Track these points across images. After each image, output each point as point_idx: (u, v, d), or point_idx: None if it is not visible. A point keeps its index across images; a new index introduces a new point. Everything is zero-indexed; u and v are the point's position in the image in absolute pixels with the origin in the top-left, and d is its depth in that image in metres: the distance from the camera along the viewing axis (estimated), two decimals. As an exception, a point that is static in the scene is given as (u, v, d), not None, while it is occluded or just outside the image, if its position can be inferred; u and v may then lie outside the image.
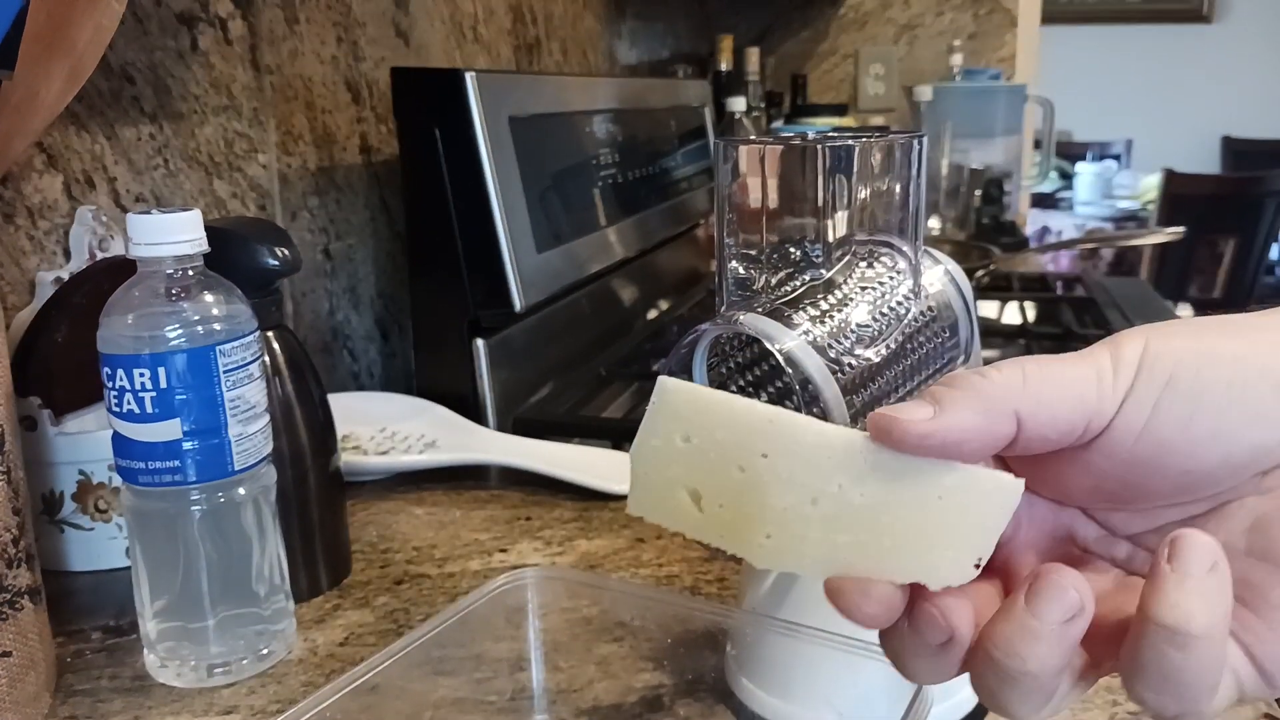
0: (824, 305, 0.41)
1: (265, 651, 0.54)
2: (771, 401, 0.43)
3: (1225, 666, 0.27)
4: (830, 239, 0.43)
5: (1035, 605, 0.27)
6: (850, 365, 0.40)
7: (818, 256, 0.43)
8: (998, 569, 0.30)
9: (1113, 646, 0.28)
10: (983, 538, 0.28)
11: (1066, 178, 3.80)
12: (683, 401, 0.30)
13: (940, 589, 0.28)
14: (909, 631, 0.29)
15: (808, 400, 0.39)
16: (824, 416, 0.38)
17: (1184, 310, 2.03)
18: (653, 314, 1.27)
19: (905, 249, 0.45)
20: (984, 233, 1.72)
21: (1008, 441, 0.28)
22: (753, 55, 1.86)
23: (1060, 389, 0.28)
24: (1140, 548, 0.31)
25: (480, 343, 0.89)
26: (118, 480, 0.52)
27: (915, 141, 0.45)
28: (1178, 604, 0.25)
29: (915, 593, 0.28)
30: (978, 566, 0.28)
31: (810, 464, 0.28)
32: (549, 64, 1.43)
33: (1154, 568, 0.26)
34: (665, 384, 0.30)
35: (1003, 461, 0.30)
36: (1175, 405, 0.27)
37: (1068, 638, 0.27)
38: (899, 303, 0.44)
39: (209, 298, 0.51)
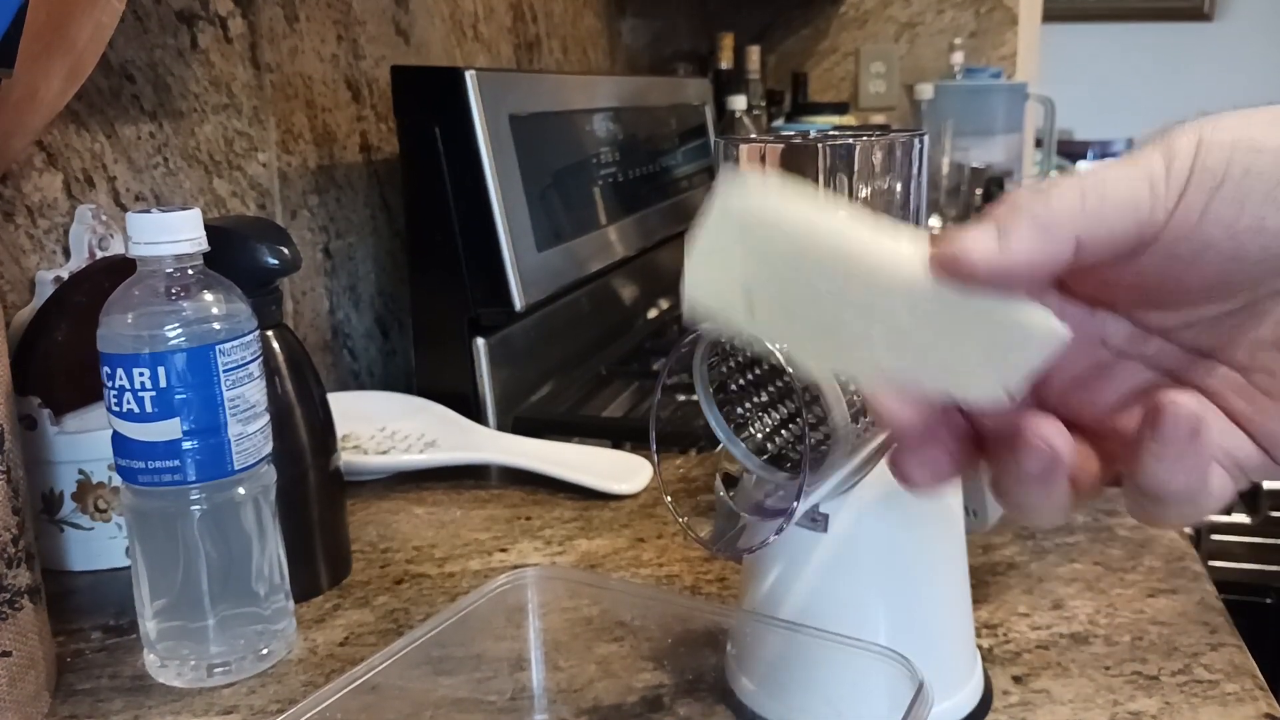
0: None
1: (265, 651, 0.54)
2: (772, 401, 0.43)
3: (1212, 472, 0.29)
4: (831, 238, 0.43)
5: (1020, 459, 0.29)
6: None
7: (818, 256, 0.43)
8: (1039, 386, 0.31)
9: (1129, 449, 0.30)
10: (1017, 374, 0.29)
11: (1067, 176, 3.79)
12: (746, 217, 0.30)
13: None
14: (1019, 467, 0.30)
15: (808, 400, 0.39)
16: (824, 416, 0.38)
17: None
18: (653, 313, 1.27)
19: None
20: (985, 231, 1.72)
21: (1065, 264, 0.28)
22: (753, 53, 1.86)
23: (1117, 204, 0.28)
24: (1171, 343, 0.31)
25: (480, 341, 0.89)
26: (117, 480, 0.52)
27: (916, 140, 0.45)
28: (1158, 472, 0.29)
29: (1018, 427, 0.29)
30: (1011, 399, 0.29)
31: (868, 285, 0.29)
32: (549, 62, 1.43)
33: (1139, 433, 0.29)
34: (729, 200, 0.30)
35: None
36: (1224, 205, 0.27)
37: (1049, 483, 0.30)
38: (900, 302, 0.44)
39: (209, 297, 0.50)
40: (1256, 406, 0.30)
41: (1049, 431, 0.29)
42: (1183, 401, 0.28)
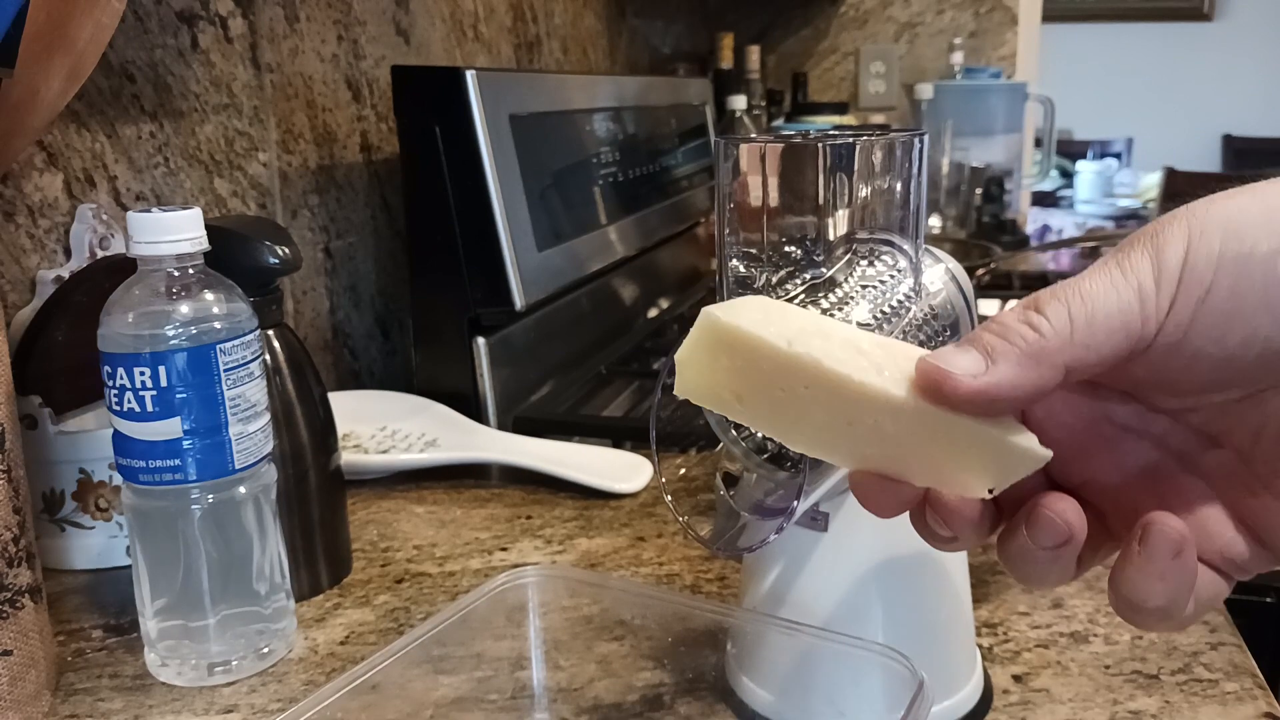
0: (825, 304, 0.41)
1: (266, 650, 0.54)
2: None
3: (1201, 583, 0.30)
4: (831, 237, 0.43)
5: (1032, 533, 0.30)
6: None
7: (818, 255, 0.43)
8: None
9: (1131, 526, 0.30)
10: (1001, 479, 0.29)
11: (1067, 176, 3.80)
12: (726, 334, 0.31)
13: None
14: (1029, 537, 0.30)
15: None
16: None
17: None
18: (653, 312, 1.27)
19: (906, 247, 0.45)
20: (985, 231, 1.72)
21: (1050, 391, 0.28)
22: (753, 53, 1.86)
23: (1107, 329, 0.28)
24: (1178, 423, 0.31)
25: (481, 341, 0.89)
26: (118, 479, 0.52)
27: (916, 140, 0.45)
28: (1139, 585, 0.29)
29: (1034, 503, 0.30)
30: (991, 493, 0.29)
31: (849, 404, 0.29)
32: (549, 62, 1.43)
33: (1125, 546, 0.29)
34: (708, 319, 0.31)
35: None
36: (1211, 317, 0.27)
37: (1059, 557, 0.30)
38: (899, 301, 0.44)
39: (209, 296, 0.50)
40: (1258, 498, 0.30)
41: (1064, 508, 0.29)
42: (1171, 524, 0.28)
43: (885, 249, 0.45)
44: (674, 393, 0.32)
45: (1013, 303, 1.30)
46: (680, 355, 0.32)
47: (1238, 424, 0.30)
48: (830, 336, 0.30)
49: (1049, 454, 0.28)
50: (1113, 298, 0.28)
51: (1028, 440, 0.29)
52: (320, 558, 0.62)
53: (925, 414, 0.28)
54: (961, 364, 0.28)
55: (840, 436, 0.30)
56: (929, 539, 0.32)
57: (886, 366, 0.29)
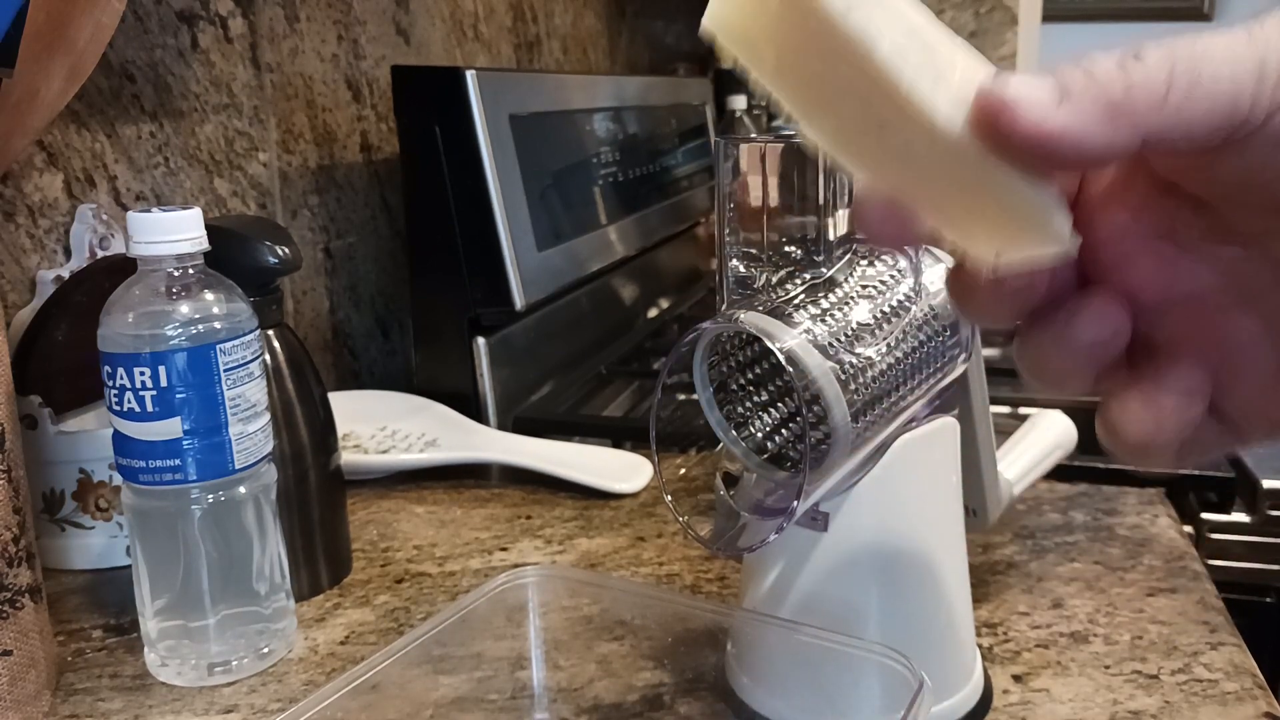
0: (824, 304, 0.41)
1: (266, 650, 0.54)
2: (772, 400, 0.43)
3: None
4: (831, 237, 0.43)
5: (1078, 322, 0.26)
6: (851, 364, 0.40)
7: (818, 255, 0.43)
8: (1084, 248, 0.27)
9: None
10: (1012, 253, 0.25)
11: (1067, 176, 3.79)
12: None
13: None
14: (1072, 325, 0.27)
15: (808, 399, 0.39)
16: (824, 415, 0.38)
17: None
18: (653, 312, 1.27)
19: (906, 248, 0.45)
20: (984, 231, 1.72)
21: (1121, 158, 0.24)
22: (753, 53, 1.85)
23: (1210, 99, 0.23)
24: (1254, 252, 0.26)
25: (481, 341, 0.89)
26: (118, 479, 0.52)
27: (916, 140, 0.45)
28: (1131, 414, 0.26)
29: (1086, 289, 0.27)
30: (997, 258, 0.25)
31: (887, 107, 0.24)
32: (549, 62, 1.43)
33: (1135, 369, 0.27)
34: None
35: None
36: None
37: (1095, 360, 0.27)
38: (900, 302, 0.44)
39: (209, 296, 0.51)
40: None
41: (1117, 306, 0.26)
42: (1193, 374, 0.26)
43: (885, 249, 0.45)
44: (703, 24, 0.26)
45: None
46: None
47: None
48: (902, 15, 0.24)
49: (1075, 244, 0.25)
50: (1226, 68, 0.23)
51: (1060, 221, 0.24)
52: (320, 558, 0.62)
53: (964, 149, 0.24)
54: (1030, 94, 0.23)
55: (866, 138, 0.26)
56: (956, 296, 0.28)
57: (947, 75, 0.24)
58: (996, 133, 0.23)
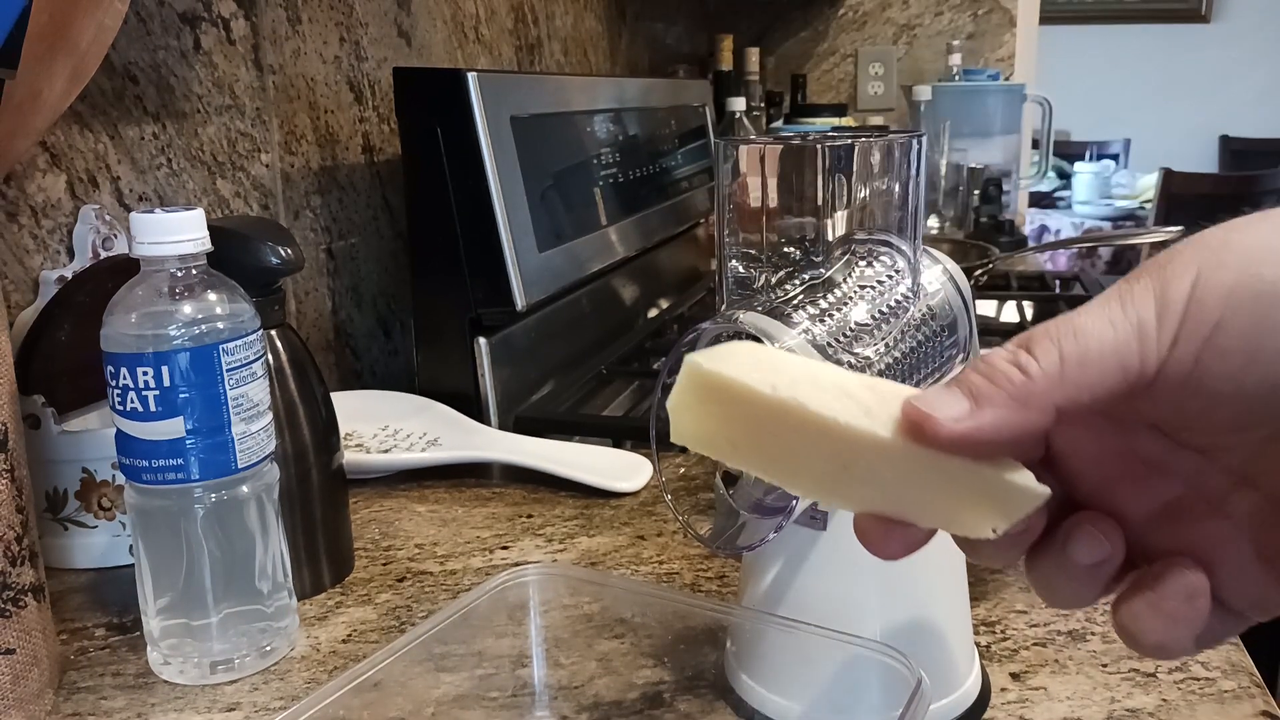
0: (823, 304, 0.42)
1: (268, 648, 0.54)
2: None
3: (1214, 620, 0.29)
4: (830, 238, 0.43)
5: (1073, 548, 0.28)
6: (849, 364, 0.40)
7: (817, 256, 0.44)
8: (1065, 483, 0.30)
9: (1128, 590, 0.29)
10: (1003, 519, 0.28)
11: (1065, 177, 3.80)
12: (710, 383, 0.30)
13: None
14: (1065, 553, 0.29)
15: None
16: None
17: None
18: (653, 313, 1.27)
19: (904, 248, 0.46)
20: (982, 232, 1.72)
21: (1042, 432, 0.27)
22: (753, 55, 1.86)
23: (1100, 368, 0.26)
24: (1209, 461, 0.29)
25: (482, 341, 0.89)
26: (121, 478, 0.52)
27: (914, 141, 0.45)
28: (1143, 620, 0.28)
29: (1076, 515, 0.29)
30: (994, 532, 0.28)
31: (841, 446, 0.29)
32: (550, 64, 1.43)
33: (1139, 577, 0.29)
34: (691, 366, 0.31)
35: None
36: (1223, 356, 0.25)
37: (1095, 576, 0.29)
38: (898, 302, 0.44)
39: (212, 296, 0.51)
40: None
41: (1107, 527, 0.29)
42: (1189, 576, 0.28)
43: (883, 250, 0.45)
44: (671, 440, 0.32)
45: (1010, 305, 1.29)
46: (671, 402, 0.31)
47: (1271, 465, 0.28)
48: (819, 381, 0.29)
49: (1047, 491, 0.27)
50: (1109, 335, 0.26)
51: (1024, 478, 0.28)
52: (322, 556, 0.62)
53: (917, 455, 0.28)
54: (945, 408, 0.27)
55: (838, 480, 0.30)
56: (967, 551, 0.31)
57: (875, 409, 0.28)
58: (928, 441, 0.27)
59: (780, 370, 0.30)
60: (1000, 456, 0.28)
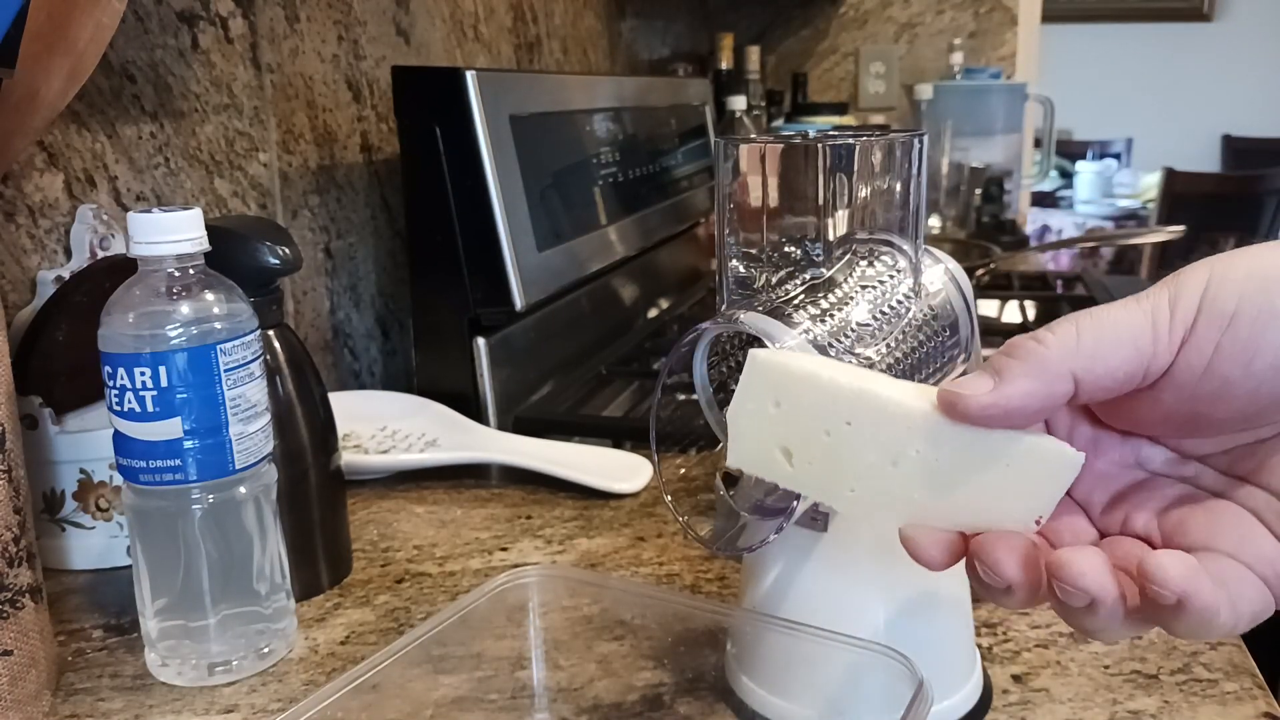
0: (824, 304, 0.42)
1: (266, 650, 0.54)
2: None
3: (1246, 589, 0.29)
4: (831, 238, 0.43)
5: (1056, 598, 0.29)
6: (850, 364, 0.40)
7: (818, 255, 0.43)
8: (1078, 499, 0.33)
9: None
10: (1043, 501, 0.30)
11: (1066, 176, 3.80)
12: (773, 372, 0.33)
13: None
14: (1060, 603, 0.30)
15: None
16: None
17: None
18: (653, 313, 1.27)
19: (905, 247, 0.45)
20: (984, 231, 1.72)
21: (1066, 400, 0.29)
22: (753, 54, 1.86)
23: (1115, 342, 0.29)
24: (1208, 467, 0.32)
25: (481, 341, 0.89)
26: (119, 479, 0.52)
27: (915, 140, 0.45)
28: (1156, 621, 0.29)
29: (1049, 570, 0.30)
30: (1039, 522, 0.30)
31: (890, 432, 0.31)
32: (549, 63, 1.43)
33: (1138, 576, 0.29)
34: (756, 356, 0.33)
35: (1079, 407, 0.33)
36: (1236, 344, 0.28)
37: (1095, 614, 0.29)
38: (899, 301, 0.44)
39: (210, 296, 0.51)
40: None
41: (1083, 569, 0.29)
42: (1170, 580, 0.28)
43: (885, 249, 0.45)
44: (729, 464, 0.34)
45: (1012, 304, 1.29)
46: (733, 409, 0.34)
47: (1264, 462, 0.30)
48: (869, 375, 0.32)
49: (1081, 456, 0.29)
50: (1123, 317, 0.29)
51: (1056, 445, 0.30)
52: (320, 558, 0.62)
53: (960, 437, 0.30)
54: (972, 385, 0.29)
55: (887, 481, 0.31)
56: (984, 592, 0.32)
57: (922, 395, 0.31)
58: (957, 417, 0.30)
59: (834, 364, 0.33)
60: (1030, 424, 0.30)
